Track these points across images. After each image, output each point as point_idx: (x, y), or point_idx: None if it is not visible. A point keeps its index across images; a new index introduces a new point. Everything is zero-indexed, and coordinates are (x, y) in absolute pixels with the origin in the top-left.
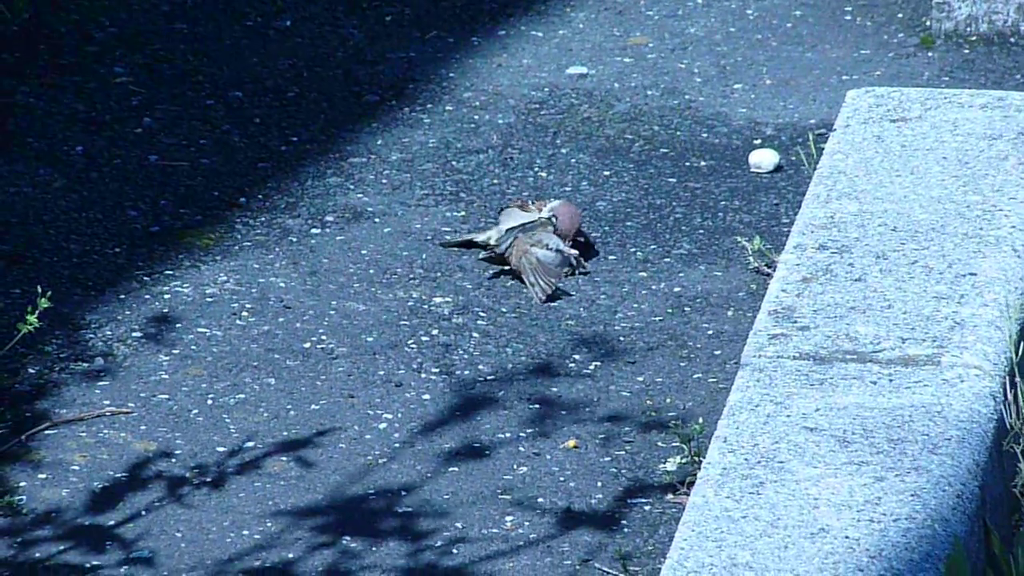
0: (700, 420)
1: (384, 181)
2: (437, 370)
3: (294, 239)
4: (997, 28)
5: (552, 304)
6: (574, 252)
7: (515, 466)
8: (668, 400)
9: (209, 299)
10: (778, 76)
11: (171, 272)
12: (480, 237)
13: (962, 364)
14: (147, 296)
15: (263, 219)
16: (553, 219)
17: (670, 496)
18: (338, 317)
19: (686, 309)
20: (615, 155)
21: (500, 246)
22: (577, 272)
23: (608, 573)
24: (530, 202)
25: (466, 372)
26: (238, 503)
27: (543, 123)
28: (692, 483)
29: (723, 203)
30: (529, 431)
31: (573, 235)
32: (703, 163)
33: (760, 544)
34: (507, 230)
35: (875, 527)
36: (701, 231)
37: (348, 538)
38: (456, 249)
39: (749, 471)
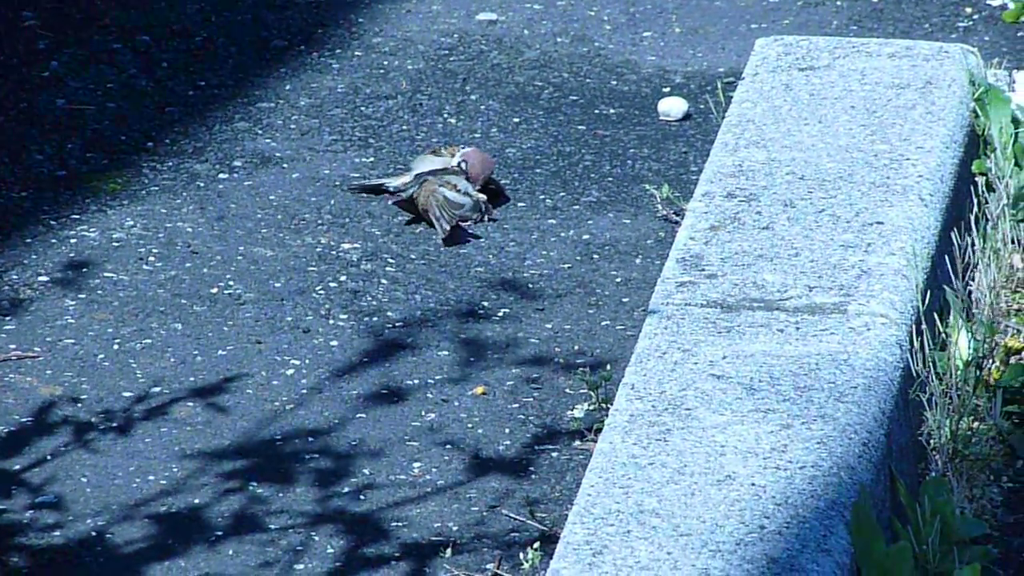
0: (608, 367)
1: (292, 127)
2: (345, 316)
3: (202, 184)
4: None
5: (461, 251)
6: (482, 197)
7: (423, 412)
8: (576, 347)
9: (116, 244)
10: (687, 24)
11: (78, 216)
12: (390, 183)
13: (869, 312)
14: (53, 240)
15: (170, 164)
16: (463, 164)
17: (578, 443)
18: (246, 263)
19: (595, 256)
20: (524, 102)
21: (408, 190)
22: (486, 219)
23: (516, 519)
24: (442, 148)
25: (375, 318)
26: (144, 448)
27: (452, 69)
28: (600, 430)
29: (632, 151)
30: (438, 377)
31: (484, 181)
32: (612, 111)
33: (667, 491)
34: (416, 175)
35: (781, 474)
36: (610, 179)
37: (256, 484)
38: (364, 195)
39: (656, 418)
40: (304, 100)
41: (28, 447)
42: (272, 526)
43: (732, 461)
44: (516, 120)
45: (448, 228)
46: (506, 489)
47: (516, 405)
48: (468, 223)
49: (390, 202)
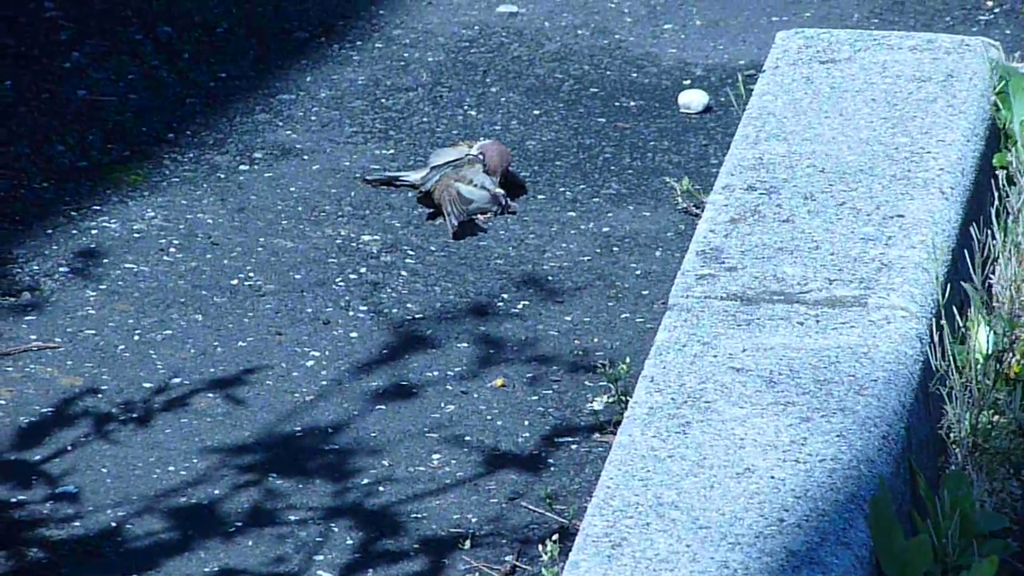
0: (627, 360)
1: (313, 118)
2: (365, 308)
3: (222, 175)
4: None
5: (480, 243)
6: (500, 191)
7: (442, 404)
8: (596, 340)
9: (136, 235)
10: (708, 16)
11: (98, 207)
12: (407, 177)
13: (889, 306)
14: (74, 231)
15: (191, 155)
16: (480, 156)
17: (597, 435)
18: (266, 254)
19: (614, 249)
20: (545, 94)
21: (426, 183)
22: (505, 212)
23: (534, 511)
24: (460, 141)
25: (394, 310)
26: (164, 439)
27: (473, 61)
28: (619, 422)
29: (652, 143)
30: (457, 370)
31: (502, 173)
32: (632, 103)
33: (686, 483)
34: (433, 167)
35: (800, 467)
36: (630, 171)
37: (275, 476)
38: (383, 187)
39: (676, 411)
40: (325, 92)
41: (48, 438)
42: (291, 518)
43: (751, 454)
44: (536, 112)
45: (456, 223)
46: (525, 481)
47: (535, 398)
48: (487, 216)
49: (416, 196)
